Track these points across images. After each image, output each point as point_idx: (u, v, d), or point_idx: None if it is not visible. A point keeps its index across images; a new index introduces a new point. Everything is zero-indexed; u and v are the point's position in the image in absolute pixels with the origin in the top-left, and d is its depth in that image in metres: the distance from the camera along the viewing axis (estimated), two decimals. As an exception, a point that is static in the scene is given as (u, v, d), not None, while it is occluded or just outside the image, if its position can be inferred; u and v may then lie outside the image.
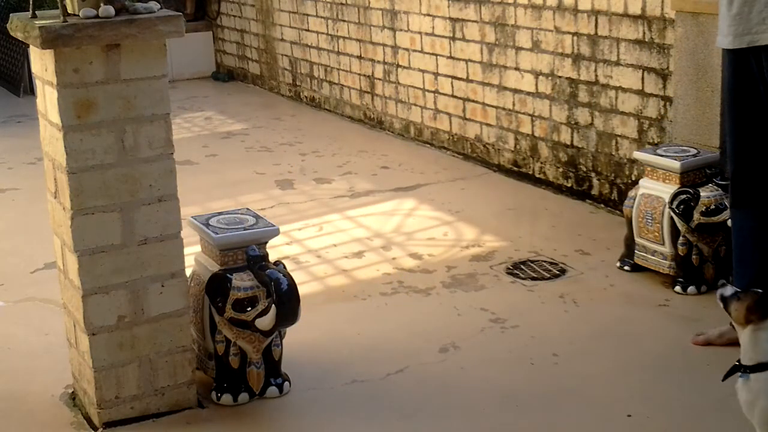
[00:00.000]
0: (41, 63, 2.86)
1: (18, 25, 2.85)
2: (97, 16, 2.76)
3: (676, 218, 3.81)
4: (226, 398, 3.14)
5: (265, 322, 3.03)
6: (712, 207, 3.74)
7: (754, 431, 2.62)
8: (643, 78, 4.62)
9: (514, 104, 5.49)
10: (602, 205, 4.95)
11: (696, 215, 3.74)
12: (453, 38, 5.90)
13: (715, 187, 3.80)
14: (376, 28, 6.68)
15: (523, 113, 5.43)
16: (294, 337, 3.32)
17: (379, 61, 6.72)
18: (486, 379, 3.28)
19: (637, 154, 4.11)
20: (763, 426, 2.48)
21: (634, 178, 4.68)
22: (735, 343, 3.30)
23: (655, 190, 3.90)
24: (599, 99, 4.89)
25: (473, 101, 5.82)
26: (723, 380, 2.60)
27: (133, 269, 2.92)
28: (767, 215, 3.22)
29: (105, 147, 2.83)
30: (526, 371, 3.32)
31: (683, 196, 3.78)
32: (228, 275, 3.10)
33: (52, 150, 2.91)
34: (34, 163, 6.10)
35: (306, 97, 7.81)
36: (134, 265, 2.92)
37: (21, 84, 8.54)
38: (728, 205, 3.40)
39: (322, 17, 7.34)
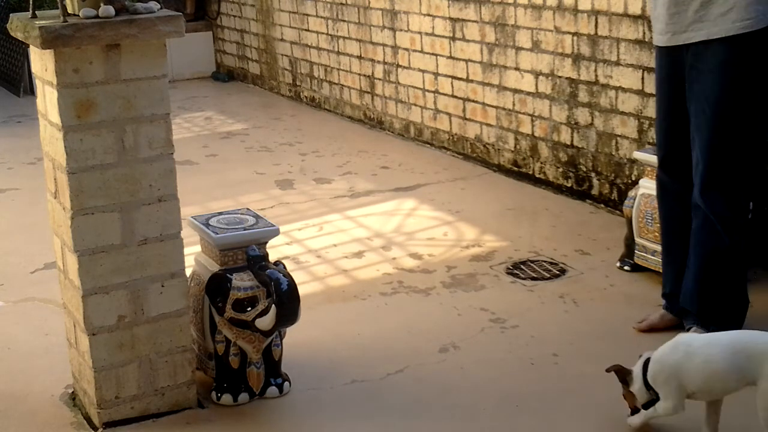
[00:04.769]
0: (41, 63, 2.86)
1: (18, 25, 2.85)
2: (97, 16, 2.76)
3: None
4: (226, 398, 3.14)
5: (265, 322, 3.03)
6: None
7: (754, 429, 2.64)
8: (643, 78, 4.62)
9: (514, 104, 5.49)
10: (602, 205, 4.95)
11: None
12: (453, 38, 5.91)
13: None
14: (376, 28, 6.68)
15: (523, 113, 5.43)
16: (294, 337, 3.32)
17: (379, 61, 6.72)
18: (486, 379, 3.29)
19: (637, 154, 4.11)
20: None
21: (634, 178, 4.68)
22: (676, 325, 3.41)
23: (655, 189, 3.90)
24: (599, 99, 4.89)
25: (473, 101, 5.82)
26: None
27: (133, 269, 2.92)
28: (687, 199, 3.37)
29: (105, 147, 2.83)
30: (526, 371, 3.32)
31: (683, 196, 3.78)
32: (228, 275, 3.10)
33: (52, 150, 2.91)
34: (34, 163, 6.11)
35: (306, 97, 7.81)
36: (134, 265, 2.92)
37: (21, 84, 8.54)
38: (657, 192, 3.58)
39: (322, 17, 7.34)
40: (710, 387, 2.73)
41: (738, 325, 3.36)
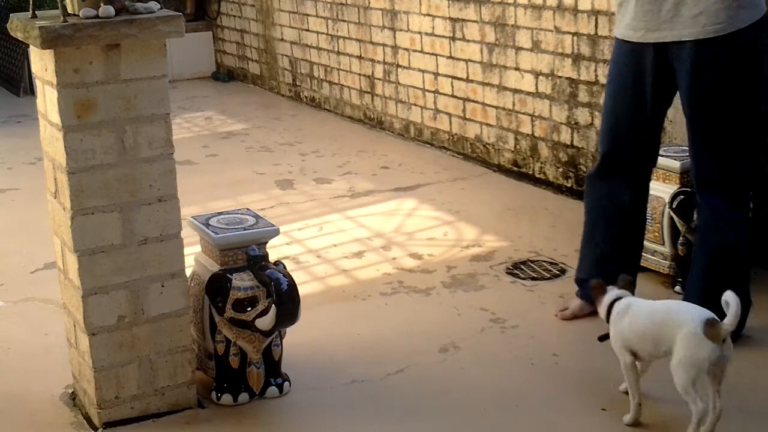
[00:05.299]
0: (41, 63, 2.86)
1: (18, 25, 2.85)
2: (97, 16, 2.76)
3: (676, 218, 3.81)
4: (226, 398, 3.14)
5: (265, 322, 3.03)
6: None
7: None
8: (643, 78, 4.61)
9: (514, 104, 5.49)
10: (602, 205, 4.94)
11: (696, 215, 3.73)
12: (453, 38, 5.91)
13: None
14: (376, 28, 6.68)
15: (523, 113, 5.43)
16: (294, 337, 3.32)
17: (379, 61, 6.72)
18: (486, 379, 3.29)
19: (637, 154, 4.10)
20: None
21: (634, 178, 4.67)
22: (595, 312, 3.42)
23: (655, 190, 3.89)
24: (599, 99, 4.89)
25: (473, 101, 5.82)
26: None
27: (133, 269, 2.92)
28: (620, 193, 3.51)
29: (105, 147, 2.83)
30: (526, 371, 3.32)
31: (683, 196, 3.78)
32: (228, 275, 3.10)
33: (52, 150, 2.91)
34: (34, 163, 6.11)
35: (306, 97, 7.81)
36: (134, 265, 2.92)
37: (21, 84, 8.54)
38: (587, 176, 3.67)
39: (322, 17, 7.34)
40: (639, 347, 2.93)
41: (741, 323, 3.38)
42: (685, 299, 3.41)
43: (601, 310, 3.06)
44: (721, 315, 3.29)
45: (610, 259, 3.57)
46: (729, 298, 2.73)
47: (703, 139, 3.29)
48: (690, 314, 2.81)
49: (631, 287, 3.13)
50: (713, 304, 3.33)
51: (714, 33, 3.16)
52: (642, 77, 3.35)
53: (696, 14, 3.16)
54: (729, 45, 3.17)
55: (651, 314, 2.92)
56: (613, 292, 3.05)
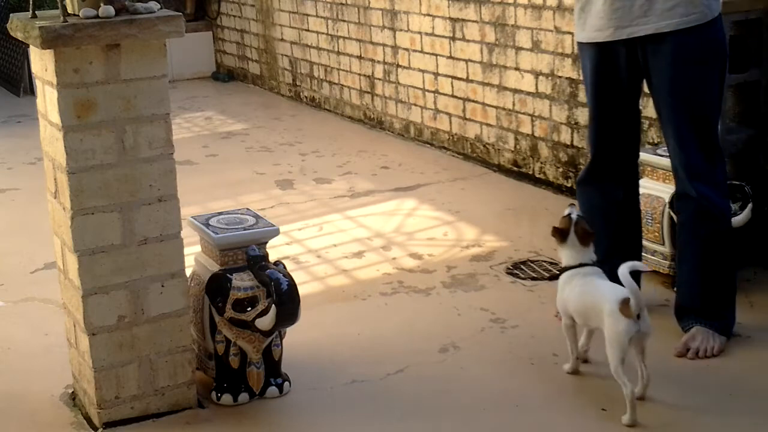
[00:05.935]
0: (41, 63, 2.86)
1: (18, 25, 2.85)
2: (97, 16, 2.76)
3: (676, 218, 3.80)
4: (226, 398, 3.14)
5: (265, 323, 3.03)
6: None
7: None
8: (643, 78, 4.61)
9: (514, 104, 5.49)
10: (602, 205, 4.94)
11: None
12: (453, 38, 5.91)
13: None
14: (376, 28, 6.68)
15: (523, 113, 5.43)
16: (294, 337, 3.32)
17: (379, 61, 6.72)
18: (486, 379, 3.29)
19: (637, 154, 4.11)
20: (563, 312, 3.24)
21: (634, 178, 4.67)
22: None
23: (655, 190, 3.90)
24: (599, 99, 4.89)
25: (473, 101, 5.82)
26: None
27: (133, 269, 2.92)
28: (612, 191, 3.58)
29: (105, 147, 2.83)
30: (526, 371, 3.32)
31: (683, 196, 3.78)
32: (228, 275, 3.10)
33: (52, 150, 2.91)
34: (34, 163, 6.11)
35: (306, 97, 7.81)
36: (134, 265, 2.92)
37: (21, 84, 8.54)
38: (578, 182, 3.73)
39: (322, 17, 7.34)
40: (578, 320, 3.19)
41: (731, 317, 3.40)
42: (679, 292, 3.45)
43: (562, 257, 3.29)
44: (720, 303, 3.34)
45: (613, 254, 3.57)
46: (623, 276, 2.90)
47: (689, 129, 3.31)
48: (608, 295, 3.00)
49: (587, 239, 3.23)
50: (712, 292, 3.35)
51: (691, 23, 3.20)
52: (616, 76, 3.38)
53: (672, 6, 3.20)
54: (706, 33, 3.23)
55: (583, 291, 3.13)
56: (572, 252, 3.24)
